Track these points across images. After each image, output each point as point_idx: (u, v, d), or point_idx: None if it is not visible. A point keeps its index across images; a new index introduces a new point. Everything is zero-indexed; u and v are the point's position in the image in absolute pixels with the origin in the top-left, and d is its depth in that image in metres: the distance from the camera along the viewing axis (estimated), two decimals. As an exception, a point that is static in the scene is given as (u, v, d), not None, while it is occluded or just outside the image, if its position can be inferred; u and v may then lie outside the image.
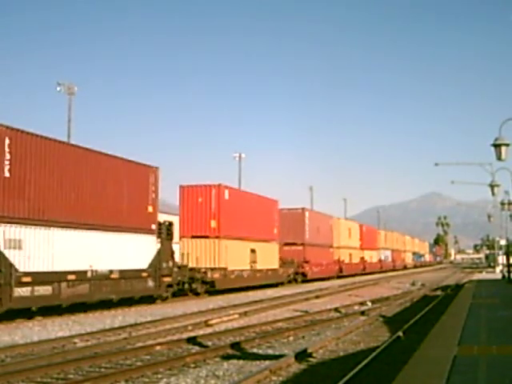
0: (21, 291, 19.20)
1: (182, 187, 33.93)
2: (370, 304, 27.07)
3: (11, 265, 18.89)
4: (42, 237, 20.32)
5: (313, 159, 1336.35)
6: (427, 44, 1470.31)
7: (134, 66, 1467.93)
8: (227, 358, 12.70)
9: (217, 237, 33.00)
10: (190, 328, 17.87)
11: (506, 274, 41.63)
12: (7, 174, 18.99)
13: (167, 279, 27.80)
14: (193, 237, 32.67)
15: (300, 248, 47.02)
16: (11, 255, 18.93)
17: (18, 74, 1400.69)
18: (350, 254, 62.31)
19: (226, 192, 34.28)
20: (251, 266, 36.84)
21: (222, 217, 33.30)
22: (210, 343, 14.82)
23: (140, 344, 14.74)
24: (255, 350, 13.79)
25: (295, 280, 45.71)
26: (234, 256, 34.00)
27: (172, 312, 22.72)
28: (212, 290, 31.95)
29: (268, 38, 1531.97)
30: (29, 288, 19.46)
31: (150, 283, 26.45)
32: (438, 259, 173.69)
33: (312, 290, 36.42)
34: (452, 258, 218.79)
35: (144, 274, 25.98)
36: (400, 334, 15.31)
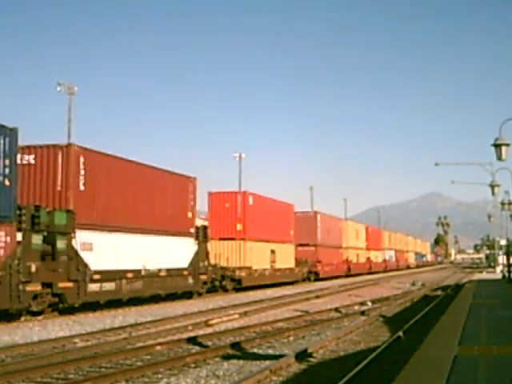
0: (93, 287, 22.49)
1: (210, 194, 36.91)
2: (370, 304, 27.08)
3: (86, 264, 22.14)
4: (108, 240, 23.51)
5: (313, 159, 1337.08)
6: (427, 44, 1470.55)
7: (134, 65, 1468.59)
8: (227, 357, 12.70)
9: (242, 239, 36.26)
10: (190, 328, 17.87)
11: (506, 274, 41.62)
12: (82, 188, 22.34)
13: (203, 277, 31.16)
14: (220, 239, 35.39)
15: (312, 249, 49.84)
16: (85, 256, 22.14)
17: (18, 73, 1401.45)
18: (358, 255, 65.41)
19: (250, 198, 37.70)
20: (271, 266, 40.25)
21: (247, 220, 36.60)
22: (210, 343, 14.82)
23: (140, 344, 14.74)
24: (255, 350, 13.79)
25: (308, 278, 48.54)
26: (257, 256, 37.41)
27: (172, 312, 22.72)
28: (239, 286, 35.16)
29: (268, 37, 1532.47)
30: (98, 284, 22.80)
31: (190, 280, 29.69)
32: (439, 259, 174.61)
33: (312, 290, 36.43)
34: (452, 257, 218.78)
35: (185, 273, 29.28)
36: (400, 334, 15.31)
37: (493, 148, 22.02)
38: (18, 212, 19.18)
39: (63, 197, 21.88)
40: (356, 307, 25.94)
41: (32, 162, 21.58)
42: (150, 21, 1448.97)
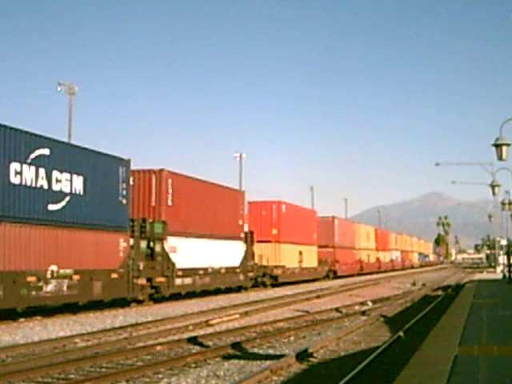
0: (177, 281, 28.10)
1: (249, 203, 41.03)
2: (370, 304, 27.07)
3: (173, 264, 27.70)
4: (186, 244, 29.00)
5: (313, 159, 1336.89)
6: (427, 44, 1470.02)
7: (134, 65, 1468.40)
8: (228, 357, 12.69)
9: (277, 241, 41.71)
10: (190, 328, 17.87)
11: (507, 274, 41.59)
12: (170, 203, 27.77)
13: (251, 274, 37.05)
14: (258, 241, 39.26)
15: (331, 250, 54.99)
16: (173, 257, 27.75)
17: (18, 74, 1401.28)
18: (368, 255, 70.60)
19: (283, 206, 43.19)
20: (299, 265, 45.84)
21: (281, 226, 42.07)
22: (210, 343, 14.81)
23: (141, 344, 14.74)
24: (256, 350, 13.79)
25: (328, 276, 53.82)
26: (288, 256, 43.06)
27: (173, 312, 22.72)
28: (275, 282, 40.69)
29: (269, 37, 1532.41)
30: (181, 279, 28.42)
31: (241, 277, 35.47)
32: (441, 259, 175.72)
33: (313, 290, 36.43)
34: (453, 257, 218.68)
35: (237, 270, 34.92)
36: (401, 333, 15.31)
37: (493, 148, 22.03)
38: (131, 223, 24.85)
39: (157, 211, 27.41)
40: (356, 307, 25.93)
41: (131, 183, 25.65)
42: (150, 21, 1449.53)
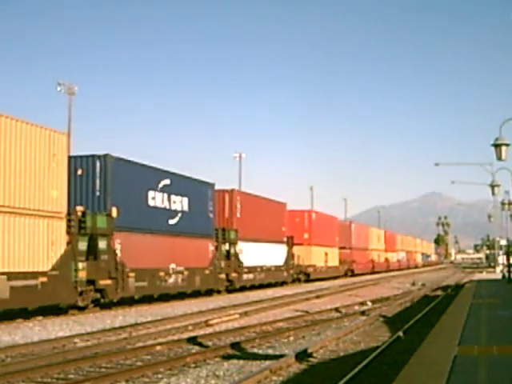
0: (244, 276, 35.52)
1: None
2: (370, 304, 27.07)
3: (241, 262, 35.01)
4: (249, 247, 36.10)
5: (313, 159, 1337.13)
6: (427, 44, 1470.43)
7: (134, 65, 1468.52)
8: (227, 357, 12.69)
9: (308, 244, 48.87)
10: (190, 328, 17.87)
11: (507, 274, 41.60)
12: (238, 215, 35.06)
13: (291, 271, 44.44)
14: (293, 244, 45.40)
15: (348, 251, 62.13)
16: (241, 257, 34.98)
17: (19, 73, 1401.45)
18: (379, 255, 77.71)
19: (313, 214, 51.22)
20: (325, 264, 52.92)
21: (311, 231, 49.44)
22: (210, 343, 14.81)
23: (140, 344, 14.74)
24: (255, 350, 13.79)
25: (346, 274, 60.36)
26: (317, 257, 50.49)
27: (172, 312, 22.72)
28: (308, 279, 47.93)
29: (269, 38, 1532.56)
30: (247, 275, 35.74)
31: (285, 274, 42.98)
32: (441, 259, 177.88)
33: (312, 290, 36.45)
34: (452, 257, 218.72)
35: (282, 268, 42.46)
36: (400, 334, 15.31)
37: (493, 148, 22.03)
38: (215, 232, 32.31)
39: (230, 221, 34.66)
40: (356, 307, 25.94)
41: None
42: (150, 21, 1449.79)
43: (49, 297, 20.15)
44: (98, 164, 23.57)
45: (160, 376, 11.06)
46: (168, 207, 27.61)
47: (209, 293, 32.00)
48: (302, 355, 12.40)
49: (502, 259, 63.96)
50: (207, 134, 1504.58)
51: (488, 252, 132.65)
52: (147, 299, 26.40)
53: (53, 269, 20.14)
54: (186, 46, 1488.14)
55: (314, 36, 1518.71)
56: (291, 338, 15.80)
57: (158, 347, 13.99)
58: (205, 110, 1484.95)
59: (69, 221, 21.16)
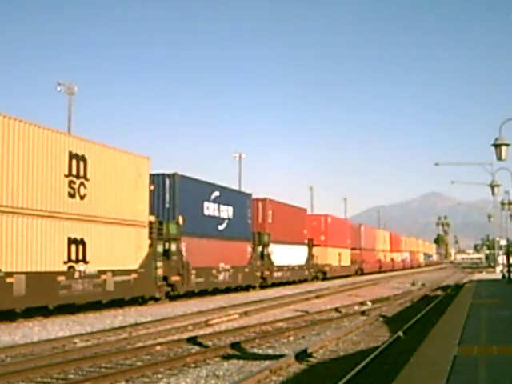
0: (275, 274, 40.88)
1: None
2: (370, 304, 27.06)
3: (272, 262, 40.33)
4: (278, 249, 41.37)
5: (313, 159, 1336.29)
6: (427, 44, 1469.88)
7: (134, 65, 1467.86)
8: (227, 357, 12.69)
9: (325, 245, 54.06)
10: (190, 328, 17.86)
11: (506, 274, 41.59)
12: (270, 221, 40.29)
13: (311, 270, 49.78)
14: (312, 246, 50.24)
15: (358, 252, 67.01)
16: (272, 257, 40.38)
17: (19, 73, 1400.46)
18: (385, 256, 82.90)
19: (329, 218, 56.45)
20: (339, 263, 58.11)
21: (327, 233, 54.84)
22: (210, 343, 14.81)
23: (140, 344, 14.73)
24: (255, 350, 13.79)
25: (356, 273, 64.95)
26: (332, 257, 55.96)
27: (172, 312, 22.71)
28: (324, 277, 52.90)
29: (269, 38, 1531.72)
30: (276, 273, 41.15)
31: (306, 272, 48.32)
32: (443, 259, 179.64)
33: (312, 290, 36.43)
34: (452, 257, 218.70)
35: (304, 267, 47.68)
36: (400, 334, 15.30)
37: (493, 148, 22.01)
38: (252, 235, 37.45)
39: (263, 226, 39.73)
40: (356, 307, 25.92)
41: None
42: (150, 21, 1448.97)
43: (138, 289, 25.16)
44: (167, 181, 28.62)
45: (160, 376, 11.05)
46: (218, 215, 32.92)
47: (246, 288, 36.87)
48: (301, 355, 12.40)
49: (501, 259, 63.94)
50: (207, 134, 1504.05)
51: (488, 252, 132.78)
52: (201, 293, 31.31)
53: (140, 267, 25.23)
54: (186, 46, 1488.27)
55: (314, 36, 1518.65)
56: (291, 338, 15.79)
57: (158, 347, 13.99)
58: (205, 110, 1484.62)
59: (150, 228, 26.13)
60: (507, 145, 21.74)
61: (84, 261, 22.07)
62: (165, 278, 27.13)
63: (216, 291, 32.82)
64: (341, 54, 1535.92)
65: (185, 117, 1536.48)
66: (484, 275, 56.74)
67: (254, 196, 38.90)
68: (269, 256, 39.85)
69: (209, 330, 17.48)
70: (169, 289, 27.76)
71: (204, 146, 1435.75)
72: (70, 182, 21.63)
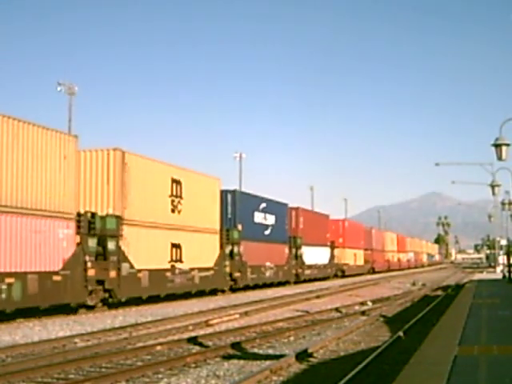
0: (306, 272, 47.64)
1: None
2: (370, 304, 27.05)
3: (303, 261, 46.89)
4: (307, 250, 47.67)
5: (313, 159, 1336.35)
6: (428, 44, 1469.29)
7: (134, 65, 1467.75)
8: (228, 357, 12.69)
9: (343, 247, 60.50)
10: (190, 328, 17.86)
11: (507, 274, 41.57)
12: (301, 226, 46.77)
13: (333, 268, 56.66)
14: (334, 247, 57.50)
15: (370, 252, 73.12)
16: (303, 257, 46.66)
17: (19, 73, 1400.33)
18: (392, 256, 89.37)
19: (346, 223, 64.31)
20: (355, 263, 65.00)
21: (345, 236, 61.44)
22: (210, 343, 14.81)
23: (141, 344, 14.73)
24: (256, 350, 13.79)
25: (369, 271, 70.82)
26: (349, 257, 62.69)
27: (172, 312, 22.71)
28: (343, 275, 59.26)
29: (269, 38, 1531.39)
30: (306, 271, 47.68)
31: (329, 270, 55.25)
32: (443, 259, 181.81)
33: (313, 290, 36.42)
34: (453, 257, 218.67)
35: (327, 266, 54.70)
36: (400, 334, 15.29)
37: (493, 148, 22.00)
38: (288, 239, 43.90)
39: (296, 231, 46.27)
40: (356, 307, 25.91)
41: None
42: (150, 21, 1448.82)
43: (213, 283, 32.16)
44: (229, 196, 35.16)
45: (160, 376, 11.06)
46: (264, 223, 39.66)
47: (284, 284, 42.85)
48: (302, 355, 12.40)
49: (502, 259, 63.87)
50: (207, 134, 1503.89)
51: (488, 252, 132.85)
52: (249, 287, 36.81)
53: (215, 265, 32.15)
54: (186, 46, 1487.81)
55: (315, 36, 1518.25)
56: (291, 338, 15.79)
57: (159, 347, 13.99)
58: (205, 110, 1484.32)
59: (220, 234, 32.84)
60: (507, 145, 21.72)
61: (180, 260, 28.61)
62: (230, 274, 34.19)
63: (264, 285, 39.53)
64: (341, 54, 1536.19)
65: (185, 117, 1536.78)
66: (484, 275, 56.71)
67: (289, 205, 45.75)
68: (301, 256, 46.69)
69: (209, 330, 17.48)
70: (232, 283, 34.64)
71: (204, 145, 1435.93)
72: (172, 201, 28.41)
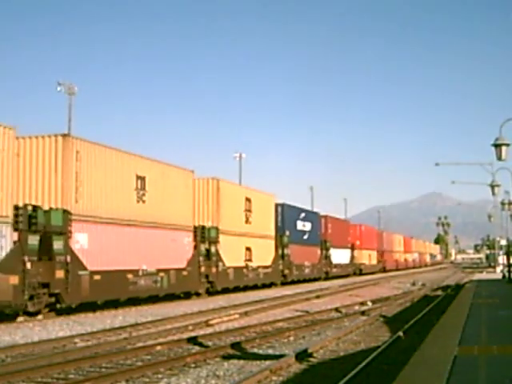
0: (333, 270, 56.53)
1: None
2: (370, 304, 27.05)
3: (331, 261, 55.97)
4: (334, 251, 57.10)
5: (313, 159, 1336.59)
6: (428, 43, 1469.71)
7: (134, 65, 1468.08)
8: (228, 357, 12.69)
9: (359, 248, 68.32)
10: (190, 328, 17.86)
11: (507, 274, 41.57)
12: (329, 231, 55.83)
13: (353, 267, 64.80)
14: (354, 249, 66.01)
15: (381, 253, 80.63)
16: (331, 257, 56.17)
17: (19, 73, 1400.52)
18: (400, 256, 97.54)
19: (363, 227, 72.86)
20: (370, 262, 73.12)
21: (362, 239, 69.44)
22: (210, 343, 14.81)
23: (140, 344, 14.73)
24: (255, 350, 13.79)
25: (380, 270, 77.72)
26: (365, 257, 70.85)
27: (172, 312, 22.71)
28: (360, 273, 66.99)
29: (268, 38, 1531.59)
30: (333, 269, 56.46)
31: (349, 269, 63.55)
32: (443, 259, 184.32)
33: (313, 290, 36.41)
34: (452, 257, 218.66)
35: (348, 265, 63.28)
36: (400, 334, 15.29)
37: (493, 148, 21.99)
38: (320, 242, 53.15)
39: (325, 235, 55.38)
40: (356, 307, 25.91)
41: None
42: (150, 21, 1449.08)
43: (271, 277, 41.43)
44: (279, 209, 43.61)
45: (160, 376, 11.06)
46: (303, 229, 48.53)
47: (315, 280, 50.92)
48: (302, 355, 12.40)
49: (502, 259, 63.88)
50: (207, 134, 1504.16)
51: (488, 252, 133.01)
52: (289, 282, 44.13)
53: (272, 263, 41.39)
54: (186, 45, 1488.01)
55: (315, 35, 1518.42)
56: (291, 338, 15.79)
57: (159, 347, 13.99)
58: (205, 110, 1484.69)
59: (276, 239, 42.12)
60: (507, 145, 21.71)
61: (251, 260, 37.30)
62: (282, 271, 43.10)
63: (304, 281, 47.81)
64: (341, 54, 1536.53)
65: (185, 117, 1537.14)
66: (484, 275, 56.71)
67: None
68: (329, 257, 55.64)
69: (209, 330, 17.48)
70: (283, 278, 43.39)
71: (204, 146, 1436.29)
72: (246, 214, 37.42)
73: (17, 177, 20.43)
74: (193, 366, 11.95)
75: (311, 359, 12.49)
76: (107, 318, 21.06)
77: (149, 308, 24.97)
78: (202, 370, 11.47)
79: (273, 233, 41.84)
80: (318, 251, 52.50)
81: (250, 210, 37.43)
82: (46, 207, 21.03)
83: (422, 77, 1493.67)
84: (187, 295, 30.34)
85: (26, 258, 19.82)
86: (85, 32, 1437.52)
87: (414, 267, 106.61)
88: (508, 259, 43.79)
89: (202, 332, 16.90)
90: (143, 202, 26.26)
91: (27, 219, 19.98)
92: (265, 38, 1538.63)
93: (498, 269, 63.57)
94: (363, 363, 11.14)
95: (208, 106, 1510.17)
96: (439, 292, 35.42)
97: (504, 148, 21.66)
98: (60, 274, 21.17)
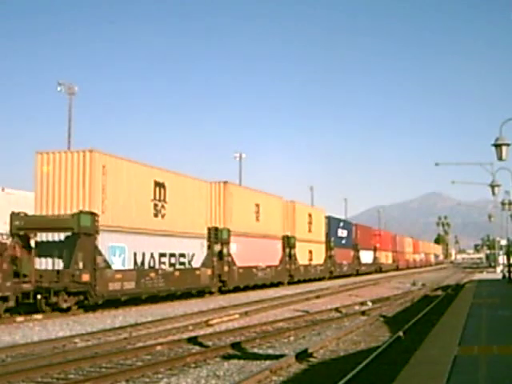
0: (362, 268, 67.88)
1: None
2: (370, 304, 27.04)
3: (360, 261, 67.44)
4: (363, 253, 69.12)
5: (313, 159, 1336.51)
6: (428, 43, 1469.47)
7: (134, 65, 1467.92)
8: (228, 357, 12.69)
9: (379, 250, 77.96)
10: (190, 328, 17.86)
11: (507, 274, 41.56)
12: (359, 236, 67.84)
13: (375, 266, 74.16)
14: (376, 250, 76.38)
15: (395, 254, 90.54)
16: (361, 257, 68.20)
17: (19, 74, 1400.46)
18: (409, 256, 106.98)
19: (382, 232, 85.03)
20: (386, 262, 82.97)
21: (381, 241, 79.40)
22: (210, 343, 14.81)
23: (140, 344, 14.73)
24: (256, 350, 13.79)
25: (394, 268, 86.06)
26: (384, 257, 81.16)
27: (172, 312, 22.70)
28: (380, 270, 76.25)
29: (268, 38, 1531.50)
30: (362, 267, 68.10)
31: (373, 267, 72.57)
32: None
33: (313, 290, 36.40)
34: (453, 257, 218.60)
35: (371, 264, 73.11)
36: (400, 333, 15.29)
37: (493, 148, 21.98)
38: (352, 245, 64.59)
39: (356, 239, 66.06)
40: (356, 307, 25.90)
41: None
42: (150, 21, 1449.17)
43: (323, 273, 52.08)
44: (327, 220, 55.31)
45: (160, 376, 11.06)
46: (342, 235, 59.59)
47: (349, 275, 60.00)
48: (302, 355, 12.40)
49: (502, 259, 63.93)
50: (207, 134, 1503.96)
51: (488, 252, 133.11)
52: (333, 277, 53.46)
53: (323, 262, 52.32)
54: (186, 45, 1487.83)
55: (315, 35, 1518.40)
56: (291, 338, 15.79)
57: (159, 347, 13.99)
58: (205, 110, 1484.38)
59: (325, 244, 53.17)
60: (507, 145, 21.71)
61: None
62: (329, 269, 54.16)
63: (339, 276, 56.37)
64: (341, 54, 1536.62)
65: (185, 117, 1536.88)
66: (484, 275, 56.71)
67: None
68: (359, 257, 66.35)
69: (209, 330, 17.47)
70: (330, 274, 53.95)
71: (204, 146, 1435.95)
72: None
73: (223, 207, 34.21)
74: (193, 365, 11.95)
75: (311, 359, 12.49)
76: (107, 317, 21.05)
77: (149, 308, 24.95)
78: (202, 370, 11.47)
79: (323, 238, 53.41)
80: (352, 253, 63.82)
81: (310, 223, 49.49)
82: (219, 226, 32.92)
83: (422, 77, 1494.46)
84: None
85: (214, 259, 31.86)
86: (85, 32, 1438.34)
87: (420, 266, 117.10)
88: (508, 259, 43.79)
89: (202, 332, 16.90)
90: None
91: (214, 235, 31.77)
92: (265, 38, 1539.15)
93: (498, 269, 63.60)
94: (363, 363, 11.14)
95: (208, 105, 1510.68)
96: (439, 292, 35.41)
97: (504, 148, 21.65)
98: (226, 268, 33.04)
